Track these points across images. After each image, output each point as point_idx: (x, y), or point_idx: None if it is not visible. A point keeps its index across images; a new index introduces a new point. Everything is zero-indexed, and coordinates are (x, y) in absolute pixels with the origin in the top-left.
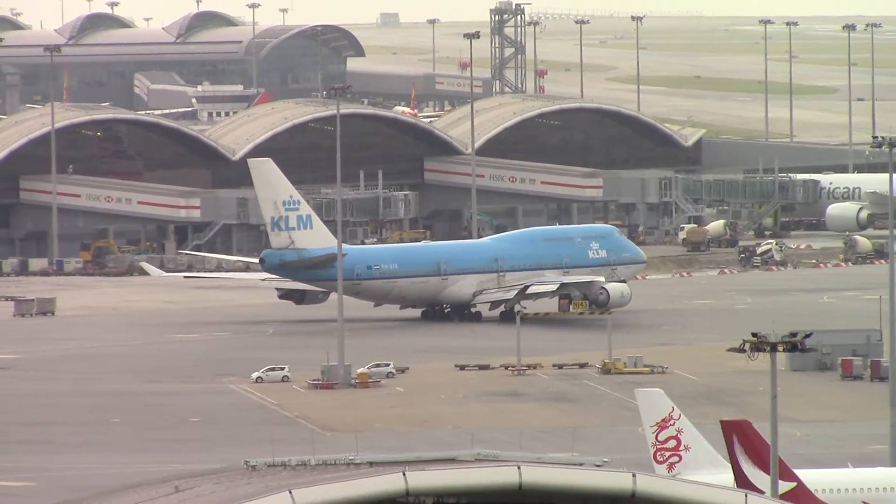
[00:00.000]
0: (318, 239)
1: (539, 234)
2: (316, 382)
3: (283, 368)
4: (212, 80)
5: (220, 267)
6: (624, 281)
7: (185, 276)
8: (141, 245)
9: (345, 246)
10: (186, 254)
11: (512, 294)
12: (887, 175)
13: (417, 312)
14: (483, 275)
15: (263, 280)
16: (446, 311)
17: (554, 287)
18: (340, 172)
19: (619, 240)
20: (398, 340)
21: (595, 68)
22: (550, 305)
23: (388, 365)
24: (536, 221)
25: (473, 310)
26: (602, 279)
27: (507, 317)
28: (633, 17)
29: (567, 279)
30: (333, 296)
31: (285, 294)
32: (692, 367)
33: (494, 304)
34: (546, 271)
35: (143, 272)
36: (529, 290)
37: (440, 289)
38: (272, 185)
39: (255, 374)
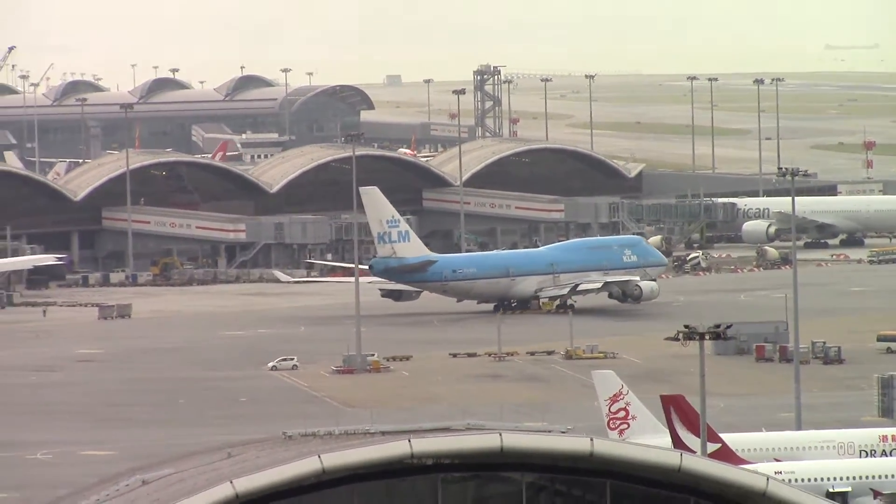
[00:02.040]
0: (414, 249)
1: (584, 244)
2: (339, 368)
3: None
4: (253, 129)
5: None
6: (654, 279)
7: (308, 281)
8: (198, 261)
9: (435, 254)
10: (311, 262)
11: (565, 291)
12: (790, 198)
13: (490, 306)
14: (542, 276)
15: (370, 283)
16: (513, 305)
17: (599, 285)
18: (356, 201)
19: (646, 247)
20: (405, 334)
21: (557, 117)
22: (596, 300)
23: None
24: (511, 239)
25: (552, 302)
26: (637, 278)
27: (561, 308)
28: (586, 76)
29: (609, 278)
30: (425, 294)
31: (386, 293)
32: (637, 353)
33: (551, 299)
34: (591, 272)
35: (276, 279)
36: (579, 288)
37: (509, 287)
38: (378, 207)
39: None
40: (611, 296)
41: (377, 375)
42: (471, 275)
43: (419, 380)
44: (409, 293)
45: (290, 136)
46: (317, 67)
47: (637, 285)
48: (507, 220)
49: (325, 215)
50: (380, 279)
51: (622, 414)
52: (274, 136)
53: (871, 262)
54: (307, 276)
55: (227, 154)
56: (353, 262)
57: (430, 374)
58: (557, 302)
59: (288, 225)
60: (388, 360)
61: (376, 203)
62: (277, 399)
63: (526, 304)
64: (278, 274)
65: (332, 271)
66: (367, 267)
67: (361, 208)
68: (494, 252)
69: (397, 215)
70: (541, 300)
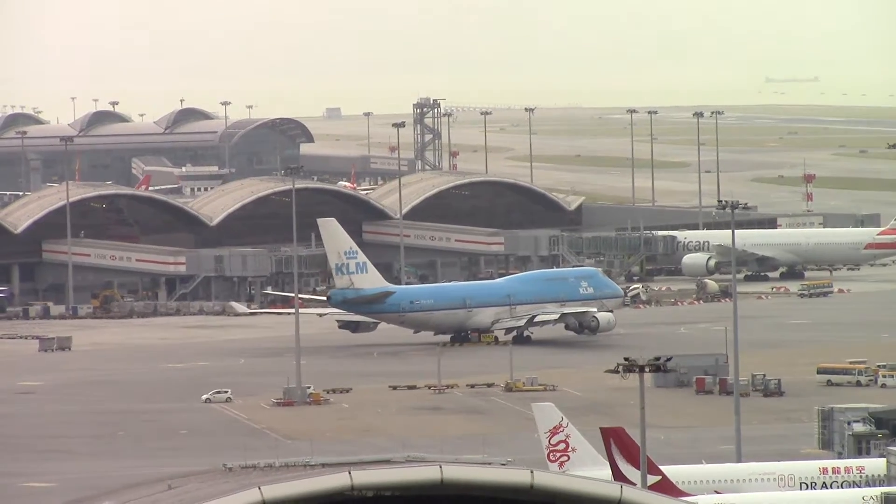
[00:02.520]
0: (372, 281)
1: (541, 276)
2: (279, 401)
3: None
4: (193, 162)
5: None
6: (611, 311)
7: (265, 312)
8: (139, 294)
9: (393, 286)
10: (271, 293)
11: (522, 322)
12: (730, 231)
13: (447, 337)
14: (499, 307)
15: (327, 314)
16: (470, 336)
17: (556, 316)
18: (296, 234)
19: (602, 279)
20: (346, 366)
21: (497, 150)
22: (553, 332)
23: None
24: (452, 272)
25: (492, 334)
26: (594, 310)
27: (518, 340)
28: (526, 109)
29: (566, 310)
30: (382, 325)
31: (344, 324)
32: (577, 385)
33: (508, 331)
34: (547, 304)
35: (234, 311)
36: (536, 319)
37: (466, 319)
38: (336, 239)
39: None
40: (567, 327)
41: (317, 408)
42: (428, 306)
43: (359, 412)
44: (366, 324)
45: (230, 168)
46: (256, 100)
47: (594, 317)
48: (448, 252)
49: (265, 248)
50: (337, 310)
51: (562, 446)
52: (214, 168)
53: (801, 295)
54: (249, 309)
55: (167, 187)
56: (305, 294)
57: (370, 406)
58: (514, 333)
59: (228, 257)
60: (328, 393)
61: (334, 235)
62: (218, 431)
63: (483, 335)
64: (235, 305)
65: (272, 303)
66: (308, 298)
67: (301, 241)
68: (451, 283)
69: (355, 247)
70: (480, 332)
